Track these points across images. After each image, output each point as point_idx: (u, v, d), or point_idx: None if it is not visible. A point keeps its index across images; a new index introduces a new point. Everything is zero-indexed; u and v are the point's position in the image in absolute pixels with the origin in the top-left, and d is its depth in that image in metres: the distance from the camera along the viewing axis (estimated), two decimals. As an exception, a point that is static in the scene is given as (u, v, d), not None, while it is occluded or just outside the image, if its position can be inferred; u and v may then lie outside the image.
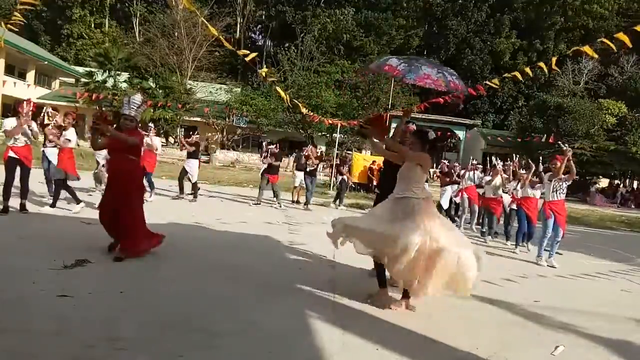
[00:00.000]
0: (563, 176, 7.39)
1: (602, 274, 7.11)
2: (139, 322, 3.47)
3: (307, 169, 12.10)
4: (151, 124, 11.27)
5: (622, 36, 5.39)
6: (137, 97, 5.52)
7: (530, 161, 8.97)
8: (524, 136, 29.65)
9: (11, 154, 7.11)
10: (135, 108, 5.38)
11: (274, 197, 11.52)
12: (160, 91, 33.41)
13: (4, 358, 2.75)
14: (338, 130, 20.16)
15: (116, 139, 5.25)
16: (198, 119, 34.10)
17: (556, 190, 7.43)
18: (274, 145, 12.62)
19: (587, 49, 5.85)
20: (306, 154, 12.36)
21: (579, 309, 4.97)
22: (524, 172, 9.39)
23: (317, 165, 12.42)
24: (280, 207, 11.28)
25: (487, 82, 8.93)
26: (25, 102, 7.24)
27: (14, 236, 5.78)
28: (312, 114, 18.71)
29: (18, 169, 7.24)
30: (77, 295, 3.86)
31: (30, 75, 35.07)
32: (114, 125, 5.53)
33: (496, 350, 3.58)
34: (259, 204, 11.47)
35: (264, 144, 12.79)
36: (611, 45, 5.55)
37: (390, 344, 3.47)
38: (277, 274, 5.24)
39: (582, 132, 31.14)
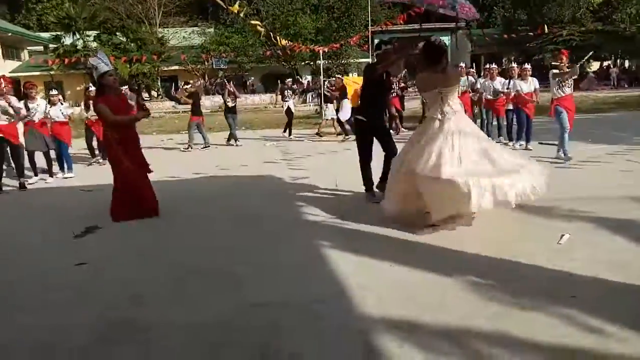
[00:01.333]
0: (569, 71, 7.18)
1: (601, 158, 7.20)
2: (158, 277, 3.56)
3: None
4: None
5: None
6: (102, 53, 5.38)
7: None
8: (510, 31, 28.87)
9: None
10: (108, 62, 5.19)
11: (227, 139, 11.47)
12: (133, 44, 32.23)
13: (32, 333, 2.84)
14: (321, 57, 19.58)
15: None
16: (176, 67, 33.15)
17: (562, 86, 7.26)
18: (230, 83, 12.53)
19: None
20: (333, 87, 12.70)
21: (581, 196, 5.08)
22: (514, 65, 9.32)
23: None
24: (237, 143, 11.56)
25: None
26: None
27: (19, 213, 5.82)
28: (291, 43, 18.12)
29: (8, 149, 7.17)
30: (92, 261, 3.94)
31: (-4, 49, 33.69)
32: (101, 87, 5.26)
33: (503, 248, 3.69)
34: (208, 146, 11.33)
35: (231, 83, 12.48)
36: None
37: (402, 259, 3.58)
38: (284, 211, 5.30)
39: (568, 17, 30.28)
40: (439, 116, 4.24)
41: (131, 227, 4.94)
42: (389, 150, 5.24)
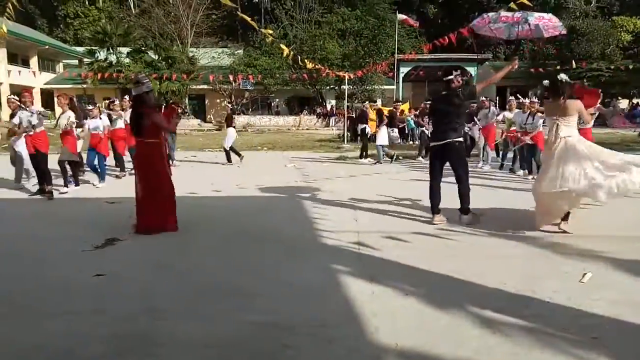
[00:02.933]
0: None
1: (629, 194, 7.02)
2: (174, 292, 3.60)
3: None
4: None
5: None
6: (143, 76, 5.66)
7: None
8: (538, 65, 28.77)
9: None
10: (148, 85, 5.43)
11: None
12: (164, 62, 33.11)
13: (53, 340, 2.89)
14: (346, 82, 19.80)
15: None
16: (204, 86, 33.87)
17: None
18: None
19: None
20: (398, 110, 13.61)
21: (603, 234, 4.99)
22: (522, 100, 9.44)
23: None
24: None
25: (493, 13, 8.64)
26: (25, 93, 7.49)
27: (44, 223, 5.96)
28: (318, 67, 18.42)
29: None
30: (112, 273, 4.00)
31: (34, 61, 35.03)
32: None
33: (524, 283, 3.62)
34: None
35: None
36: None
37: (419, 288, 3.54)
38: (302, 232, 5.32)
39: (597, 53, 30.08)
40: (552, 139, 5.07)
41: (150, 240, 5.02)
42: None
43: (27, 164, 8.11)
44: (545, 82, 5.56)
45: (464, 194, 5.45)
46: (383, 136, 12.01)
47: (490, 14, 8.59)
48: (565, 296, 3.37)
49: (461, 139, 5.53)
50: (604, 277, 3.76)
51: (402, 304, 3.30)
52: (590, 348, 2.64)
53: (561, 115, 5.04)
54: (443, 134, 5.44)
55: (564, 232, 5.01)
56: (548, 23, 8.51)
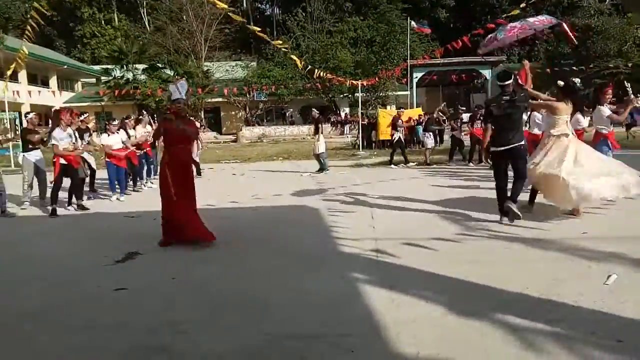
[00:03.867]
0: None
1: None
2: (195, 304, 3.61)
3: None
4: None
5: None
6: (184, 82, 5.65)
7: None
8: (554, 65, 28.43)
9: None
10: (184, 92, 5.48)
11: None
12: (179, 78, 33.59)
13: (77, 354, 2.92)
14: (359, 90, 19.84)
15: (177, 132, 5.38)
16: (219, 99, 34.24)
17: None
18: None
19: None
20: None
21: (629, 236, 4.85)
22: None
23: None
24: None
25: (507, 15, 8.61)
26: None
27: (66, 238, 6.05)
28: (331, 77, 18.53)
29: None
30: (132, 287, 4.04)
31: (53, 81, 35.87)
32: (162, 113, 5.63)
33: (547, 287, 3.55)
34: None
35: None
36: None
37: (440, 296, 3.49)
38: (320, 242, 5.31)
39: (614, 51, 29.60)
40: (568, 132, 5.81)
41: (170, 254, 5.06)
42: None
43: (30, 178, 8.14)
44: (560, 82, 6.03)
45: (517, 189, 5.57)
46: (322, 144, 11.92)
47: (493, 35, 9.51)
48: (590, 299, 3.29)
49: (524, 142, 5.70)
50: (629, 278, 3.67)
51: (424, 312, 3.26)
52: (616, 352, 2.57)
53: (560, 115, 5.78)
54: (508, 138, 5.55)
55: (574, 215, 5.76)
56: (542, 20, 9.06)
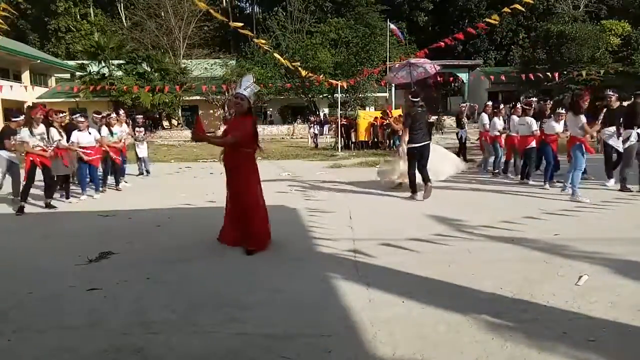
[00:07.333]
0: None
1: (622, 199, 7.08)
2: (168, 305, 3.55)
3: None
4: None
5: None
6: (249, 77, 5.33)
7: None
8: (529, 70, 28.97)
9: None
10: (245, 87, 5.14)
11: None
12: (156, 74, 33.12)
13: (46, 355, 2.84)
14: (339, 91, 19.87)
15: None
16: (197, 97, 33.88)
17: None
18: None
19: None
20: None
21: (600, 237, 4.98)
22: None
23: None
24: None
25: (487, 20, 8.71)
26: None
27: (36, 237, 5.89)
28: (312, 75, 18.48)
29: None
30: (106, 287, 3.95)
31: (26, 76, 34.87)
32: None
33: (520, 287, 3.62)
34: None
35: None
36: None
37: (416, 295, 3.52)
38: (297, 241, 5.30)
39: (587, 57, 30.35)
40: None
41: (145, 254, 4.97)
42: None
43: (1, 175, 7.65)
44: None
45: (424, 174, 7.67)
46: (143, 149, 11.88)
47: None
48: (562, 299, 3.37)
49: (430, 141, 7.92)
50: (600, 279, 3.76)
51: (400, 312, 3.28)
52: (588, 351, 2.63)
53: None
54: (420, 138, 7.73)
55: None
56: (430, 67, 10.06)
